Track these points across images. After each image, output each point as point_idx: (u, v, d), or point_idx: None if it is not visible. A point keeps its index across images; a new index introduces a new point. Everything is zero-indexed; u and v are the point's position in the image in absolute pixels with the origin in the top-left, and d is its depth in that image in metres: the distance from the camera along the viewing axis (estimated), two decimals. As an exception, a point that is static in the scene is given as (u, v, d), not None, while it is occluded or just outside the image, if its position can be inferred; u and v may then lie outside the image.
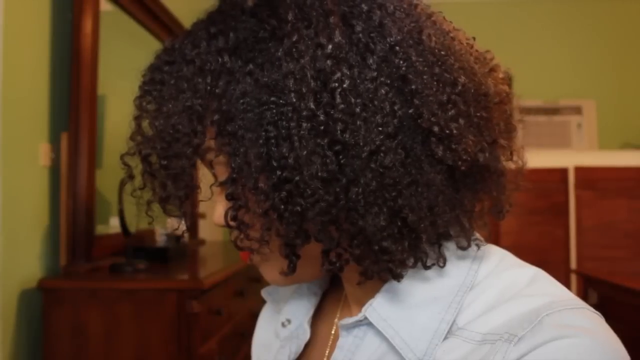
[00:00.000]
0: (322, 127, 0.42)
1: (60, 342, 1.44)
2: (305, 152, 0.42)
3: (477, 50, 0.49)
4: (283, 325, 0.60)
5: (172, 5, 2.34)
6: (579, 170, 3.60)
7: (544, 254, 3.49)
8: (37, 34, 1.59)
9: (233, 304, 1.82)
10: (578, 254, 3.57)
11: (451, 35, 0.48)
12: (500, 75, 0.49)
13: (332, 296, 0.62)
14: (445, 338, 0.46)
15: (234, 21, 0.46)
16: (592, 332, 0.41)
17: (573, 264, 3.55)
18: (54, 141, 1.64)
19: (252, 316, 0.73)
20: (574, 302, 0.44)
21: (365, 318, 0.49)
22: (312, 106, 0.42)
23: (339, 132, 0.42)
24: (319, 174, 0.42)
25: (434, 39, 0.45)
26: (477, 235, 0.51)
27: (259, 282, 1.93)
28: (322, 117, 0.42)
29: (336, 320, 0.59)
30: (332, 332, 0.58)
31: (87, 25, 1.68)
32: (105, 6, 1.84)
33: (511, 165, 0.50)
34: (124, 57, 2.11)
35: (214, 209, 0.51)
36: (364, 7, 0.45)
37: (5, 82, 1.43)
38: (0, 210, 1.41)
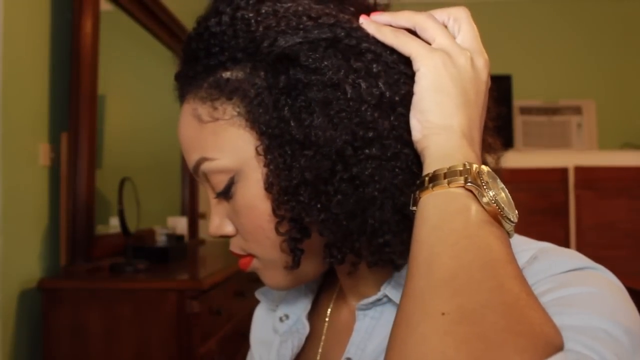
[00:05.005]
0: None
1: (60, 342, 1.44)
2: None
3: None
4: (281, 320, 0.62)
5: (172, 5, 2.34)
6: (579, 170, 3.60)
7: (544, 254, 3.48)
8: (37, 34, 1.59)
9: (233, 304, 1.82)
10: (578, 254, 3.56)
11: None
12: None
13: (325, 290, 0.63)
14: None
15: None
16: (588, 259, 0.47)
17: (573, 264, 3.54)
18: (54, 141, 1.64)
19: (252, 316, 0.73)
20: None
21: (385, 296, 0.52)
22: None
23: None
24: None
25: None
26: None
27: (259, 282, 1.93)
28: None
29: (329, 311, 0.60)
30: (325, 325, 0.60)
31: (87, 25, 1.68)
32: (105, 6, 1.84)
33: (488, 158, 0.52)
34: (124, 57, 2.11)
35: (210, 221, 0.52)
36: None
37: (5, 82, 1.43)
38: (0, 210, 1.41)
